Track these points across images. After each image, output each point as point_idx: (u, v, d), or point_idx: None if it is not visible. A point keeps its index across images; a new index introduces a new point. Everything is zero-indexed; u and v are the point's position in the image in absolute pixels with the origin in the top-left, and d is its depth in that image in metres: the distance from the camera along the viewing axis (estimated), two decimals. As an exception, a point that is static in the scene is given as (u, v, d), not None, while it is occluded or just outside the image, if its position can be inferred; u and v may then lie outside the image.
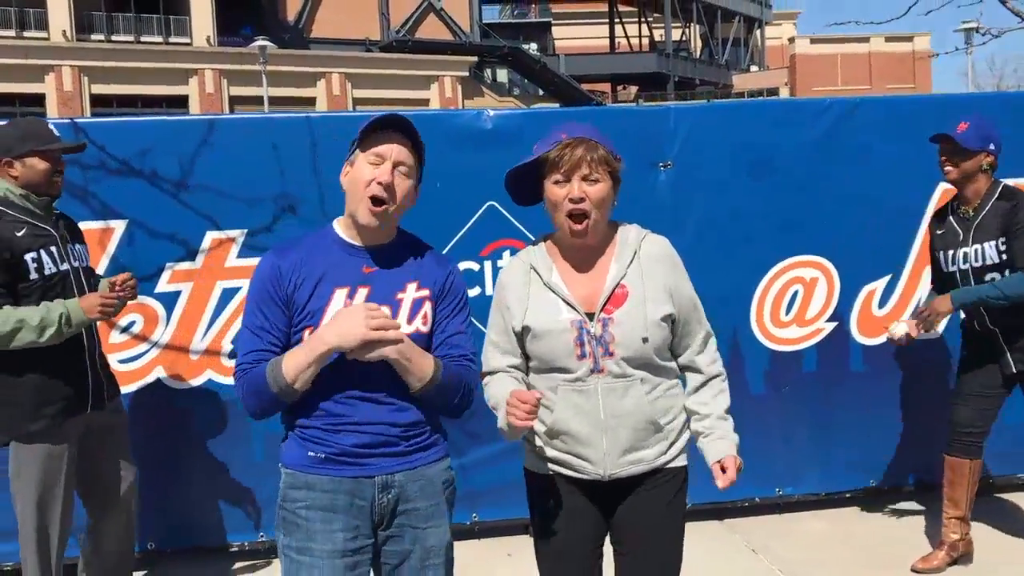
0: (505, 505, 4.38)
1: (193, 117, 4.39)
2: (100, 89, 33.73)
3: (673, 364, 2.51)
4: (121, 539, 3.68)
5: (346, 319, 2.14)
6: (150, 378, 4.09)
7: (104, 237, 3.99)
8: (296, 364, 2.16)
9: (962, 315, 3.98)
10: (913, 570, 3.86)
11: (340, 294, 2.26)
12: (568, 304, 2.40)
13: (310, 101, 36.42)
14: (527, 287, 2.47)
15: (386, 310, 2.23)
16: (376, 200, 2.22)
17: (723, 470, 2.40)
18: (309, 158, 4.14)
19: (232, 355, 4.13)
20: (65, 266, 3.30)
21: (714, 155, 4.35)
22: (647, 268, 2.42)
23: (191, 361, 4.13)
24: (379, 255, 2.31)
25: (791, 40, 55.62)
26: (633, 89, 53.18)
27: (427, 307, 2.32)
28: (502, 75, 46.66)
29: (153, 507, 4.07)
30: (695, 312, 2.49)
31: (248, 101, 34.82)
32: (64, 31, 34.28)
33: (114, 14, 35.97)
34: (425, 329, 2.31)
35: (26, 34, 34.22)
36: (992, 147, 3.70)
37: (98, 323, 3.46)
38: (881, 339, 4.48)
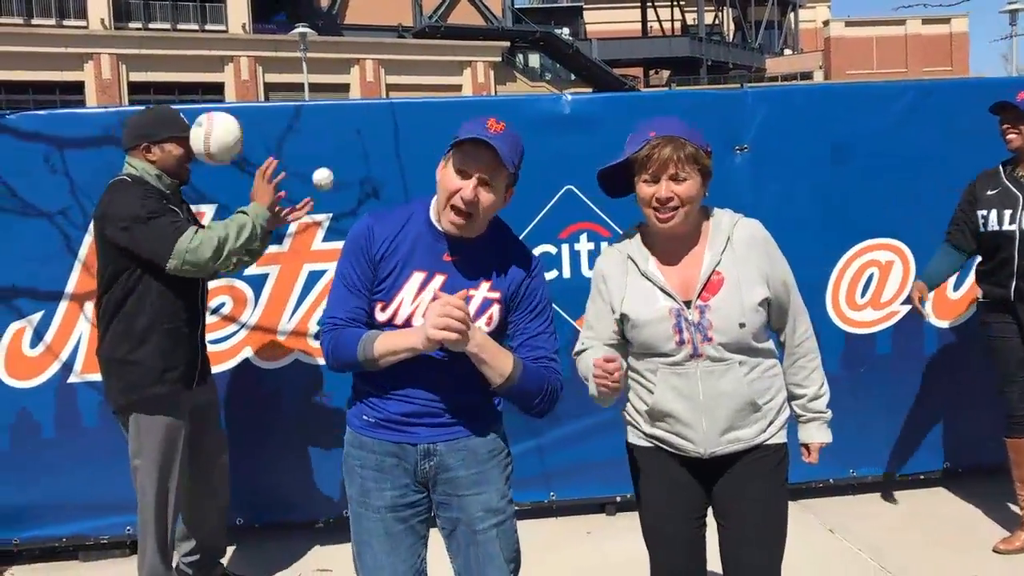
0: (582, 484, 4.46)
1: (280, 103, 4.47)
2: (138, 77, 34.05)
3: (771, 344, 2.56)
4: (216, 514, 3.82)
5: (425, 323, 2.21)
6: (239, 358, 4.20)
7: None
8: (387, 348, 2.27)
9: (979, 294, 4.03)
10: (995, 551, 3.89)
11: (418, 277, 2.33)
12: (665, 292, 2.46)
13: (344, 88, 36.55)
14: (624, 276, 2.53)
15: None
16: (457, 212, 2.29)
17: (808, 452, 2.61)
18: (392, 143, 4.22)
19: (318, 336, 4.23)
20: None
21: (790, 139, 4.37)
22: (741, 253, 2.46)
23: (278, 342, 4.23)
24: (463, 247, 2.37)
25: (825, 23, 54.95)
26: (665, 74, 52.82)
27: (494, 309, 2.38)
28: (534, 60, 46.49)
29: (242, 483, 4.18)
30: (787, 292, 2.53)
31: (283, 88, 35.00)
32: (102, 19, 34.62)
33: (151, 2, 36.26)
34: (488, 330, 2.35)
35: (66, 23, 34.59)
36: None
37: (204, 298, 3.62)
38: (957, 321, 4.52)
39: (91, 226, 3.96)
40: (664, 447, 2.56)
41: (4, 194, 4.00)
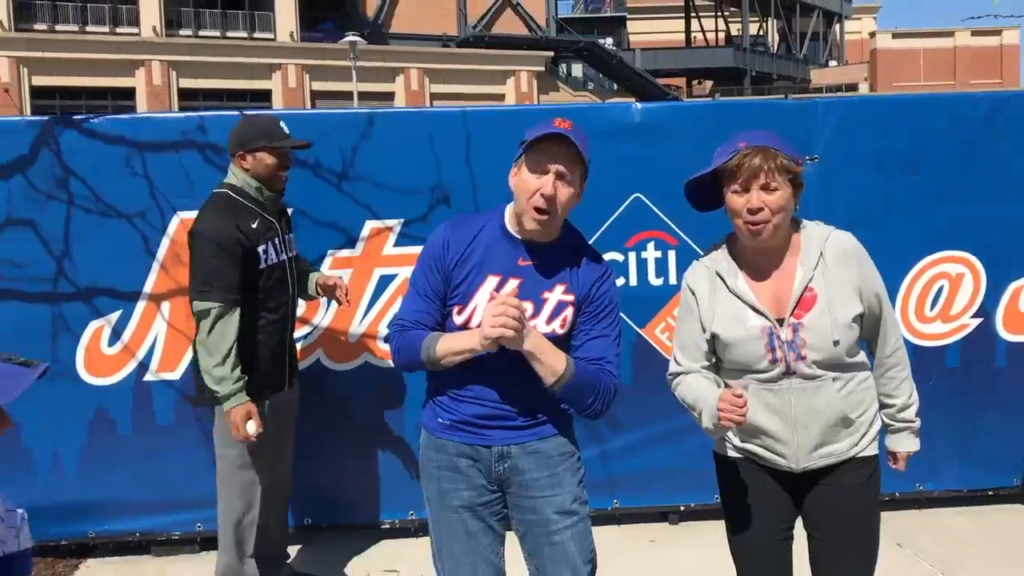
0: (646, 493, 4.46)
1: (355, 111, 4.54)
2: (187, 83, 34.66)
3: (863, 357, 2.54)
4: (283, 511, 3.89)
5: (482, 325, 2.26)
6: (311, 359, 4.26)
7: (270, 224, 4.17)
8: (449, 348, 2.34)
9: None
10: None
11: (492, 281, 2.39)
12: (755, 310, 2.44)
13: (388, 96, 36.93)
14: (713, 294, 2.51)
15: (528, 306, 2.34)
16: (539, 210, 2.34)
17: (896, 460, 2.63)
18: (463, 151, 4.26)
19: (387, 339, 4.28)
20: (283, 257, 3.54)
21: (861, 149, 4.35)
22: (833, 269, 2.43)
23: (349, 344, 4.29)
24: (537, 252, 2.43)
25: (872, 34, 54.43)
26: (708, 84, 52.62)
27: (568, 312, 2.42)
28: (577, 70, 46.58)
29: (311, 483, 4.25)
30: (879, 304, 2.51)
31: (329, 96, 35.43)
32: (154, 27, 35.29)
33: (201, 10, 36.88)
34: (562, 332, 2.41)
35: (118, 30, 35.32)
36: None
37: (295, 306, 3.71)
38: (1028, 336, 4.47)
39: (171, 225, 4.09)
40: (754, 459, 2.56)
41: (87, 196, 4.11)
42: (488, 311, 2.24)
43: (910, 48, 51.83)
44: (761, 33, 52.94)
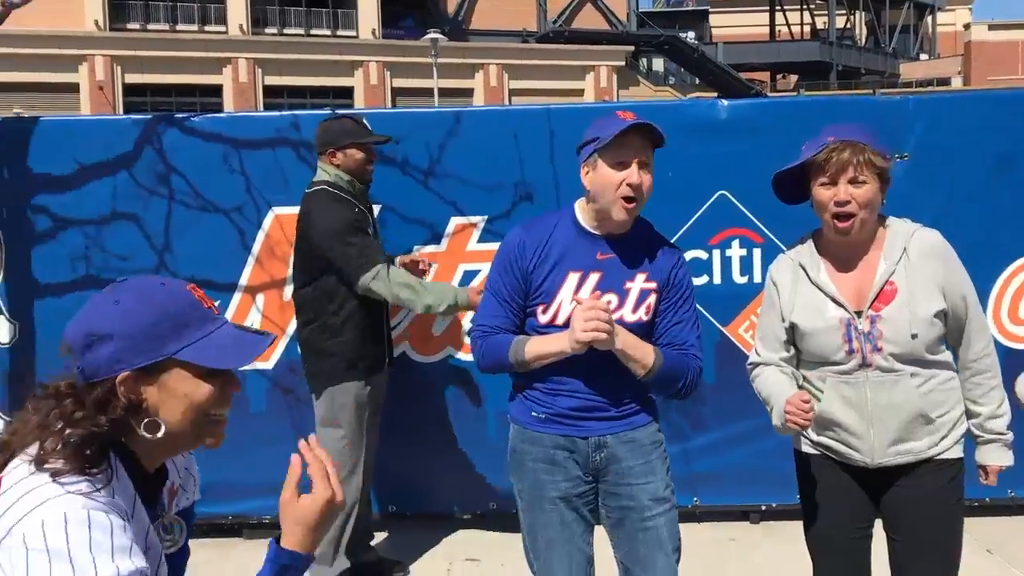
0: (727, 491, 4.46)
1: (442, 109, 4.63)
2: (272, 81, 35.47)
3: (948, 357, 2.51)
4: (366, 498, 4.01)
5: (571, 328, 2.34)
6: (398, 351, 4.36)
7: (359, 220, 4.29)
8: (539, 351, 2.41)
9: None
10: None
11: (573, 277, 2.44)
12: (835, 302, 2.46)
13: (467, 92, 37.20)
14: (795, 284, 2.54)
15: (612, 297, 2.41)
16: (628, 199, 2.39)
17: (986, 474, 2.54)
18: (547, 148, 4.31)
19: (469, 333, 4.36)
20: (379, 241, 3.74)
21: (953, 147, 4.26)
22: (917, 264, 2.43)
23: (433, 338, 4.39)
24: (614, 244, 2.48)
25: (966, 26, 52.59)
26: (793, 78, 51.63)
27: (652, 299, 2.48)
28: (658, 64, 46.22)
29: (395, 472, 4.37)
30: (965, 306, 2.47)
31: (410, 93, 35.87)
32: (241, 25, 36.21)
33: (286, 8, 37.70)
34: (647, 319, 2.47)
35: (207, 28, 36.34)
36: None
37: None
38: None
39: (266, 220, 4.24)
40: (831, 455, 2.57)
41: (187, 192, 4.28)
42: (579, 315, 2.31)
43: (1008, 40, 49.92)
44: (848, 26, 51.66)
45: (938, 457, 2.48)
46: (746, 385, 4.38)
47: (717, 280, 4.36)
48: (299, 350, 3.81)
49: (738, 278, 4.35)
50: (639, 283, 2.47)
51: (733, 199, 4.31)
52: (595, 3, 42.46)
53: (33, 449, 1.34)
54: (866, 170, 2.37)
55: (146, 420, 1.40)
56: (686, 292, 2.54)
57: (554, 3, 41.99)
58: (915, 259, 2.43)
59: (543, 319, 2.46)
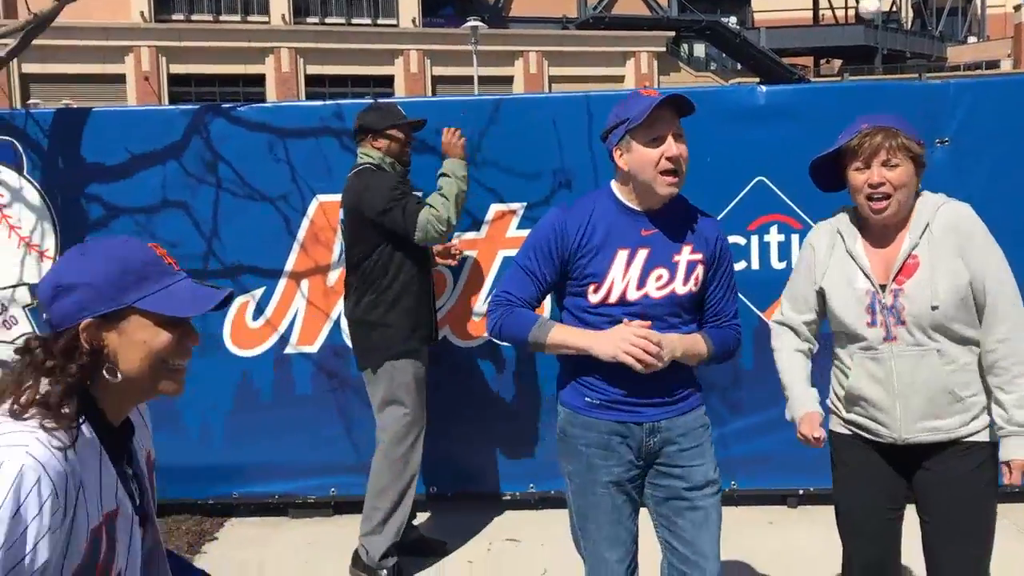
0: (764, 475, 4.49)
1: (482, 96, 4.68)
2: (314, 70, 35.70)
3: (976, 334, 2.46)
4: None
5: (611, 336, 2.39)
6: (439, 336, 4.45)
7: (400, 207, 4.37)
8: (562, 340, 2.46)
9: None
10: None
11: (622, 255, 2.47)
12: (864, 274, 2.51)
13: (507, 80, 37.13)
14: (831, 250, 2.60)
15: (663, 272, 2.46)
16: (669, 172, 2.42)
17: (1010, 471, 2.44)
18: (585, 134, 4.35)
19: (492, 296, 4.44)
20: None
21: (995, 132, 4.23)
22: (939, 238, 2.45)
23: (474, 322, 4.46)
24: (657, 219, 2.51)
25: (1017, 8, 51.31)
26: (837, 63, 50.84)
27: (699, 270, 2.52)
28: (699, 50, 45.75)
29: (436, 455, 4.45)
30: (985, 280, 2.42)
31: (450, 81, 35.89)
32: (283, 15, 36.47)
33: (328, -2, 37.92)
34: (696, 290, 2.52)
35: (250, 19, 36.67)
36: None
37: (432, 267, 4.05)
38: None
39: (311, 208, 4.33)
40: (861, 434, 2.60)
41: (234, 180, 4.40)
42: (625, 335, 2.37)
43: (1059, 21, 48.69)
44: (894, 9, 50.73)
45: (968, 439, 2.48)
46: (784, 370, 4.42)
47: (755, 266, 4.38)
48: (350, 330, 3.93)
49: (776, 264, 4.36)
50: (686, 255, 2.51)
51: (771, 185, 4.33)
52: (635, -12, 42.13)
53: (6, 406, 1.44)
54: (899, 153, 2.42)
55: (107, 366, 1.50)
56: (727, 265, 2.60)
57: (594, -11, 41.78)
58: (938, 233, 2.46)
59: (594, 299, 2.48)
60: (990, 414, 2.49)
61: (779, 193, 4.33)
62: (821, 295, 2.62)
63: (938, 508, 2.53)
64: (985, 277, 2.43)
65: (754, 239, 4.38)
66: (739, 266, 4.36)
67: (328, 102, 4.49)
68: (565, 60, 37.92)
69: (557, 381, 2.65)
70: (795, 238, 4.34)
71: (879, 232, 2.54)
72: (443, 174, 3.79)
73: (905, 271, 2.46)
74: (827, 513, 4.36)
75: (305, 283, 4.41)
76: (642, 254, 2.47)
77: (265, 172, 4.40)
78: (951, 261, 2.43)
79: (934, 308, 2.41)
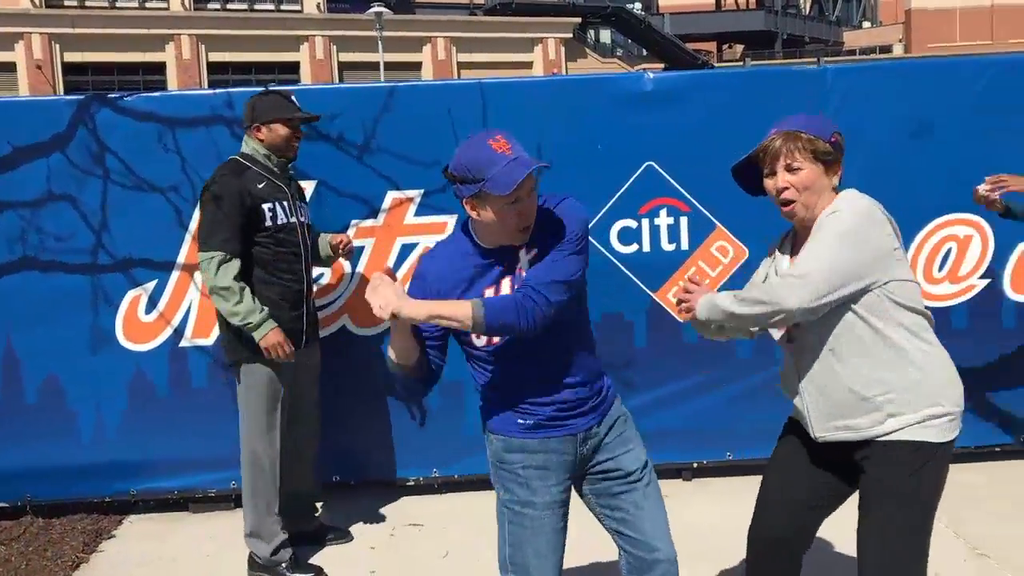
0: (660, 451, 4.58)
1: (375, 84, 4.68)
2: (217, 57, 34.87)
3: (893, 335, 2.40)
4: (310, 468, 4.10)
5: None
6: (337, 326, 4.46)
7: (295, 196, 4.35)
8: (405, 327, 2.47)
9: None
10: None
11: (489, 294, 2.45)
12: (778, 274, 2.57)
13: (416, 66, 36.92)
14: (774, 261, 2.66)
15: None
16: (525, 229, 2.40)
17: None
18: (480, 122, 4.39)
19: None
20: (294, 219, 3.75)
21: (870, 115, 4.43)
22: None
23: (373, 311, 4.46)
24: (512, 248, 2.46)
25: (906, -6, 53.34)
26: (739, 48, 51.99)
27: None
28: (605, 36, 46.22)
29: (339, 442, 4.47)
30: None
31: (357, 67, 35.50)
32: (183, 1, 35.47)
33: (229, -17, 37.03)
34: None
35: (148, 5, 35.56)
36: None
37: (310, 268, 3.91)
38: (1036, 296, 4.57)
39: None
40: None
41: (123, 171, 4.31)
42: (368, 294, 2.43)
43: (946, 8, 50.78)
44: (793, -5, 52.17)
45: (883, 439, 2.43)
46: (676, 348, 4.58)
47: (647, 248, 4.50)
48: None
49: (666, 246, 4.49)
50: (524, 259, 2.46)
51: (660, 169, 4.45)
52: (542, -25, 42.29)
53: None
54: (799, 155, 2.44)
55: None
56: (566, 238, 2.44)
57: (501, -25, 41.77)
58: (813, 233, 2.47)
59: (479, 343, 2.48)
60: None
61: (667, 177, 4.45)
62: None
63: (861, 505, 2.52)
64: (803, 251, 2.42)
65: (645, 222, 4.49)
66: (631, 249, 4.49)
67: (218, 91, 4.42)
68: (473, 46, 37.88)
69: (482, 411, 2.61)
70: (684, 220, 4.47)
71: (802, 234, 2.54)
72: (255, 324, 3.58)
73: None
74: (721, 485, 4.58)
75: (199, 275, 4.35)
76: (506, 284, 2.45)
77: (155, 163, 4.32)
78: None
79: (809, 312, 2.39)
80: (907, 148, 4.44)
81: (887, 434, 2.42)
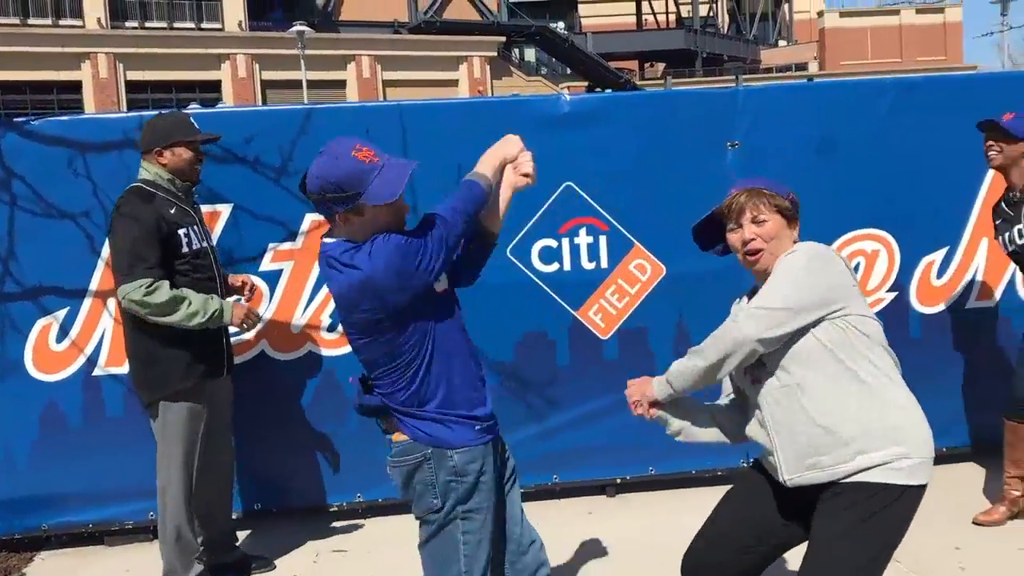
0: (584, 468, 4.66)
1: (292, 106, 4.65)
2: (135, 76, 34.14)
3: (860, 370, 2.44)
4: (227, 497, 4.03)
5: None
6: (255, 351, 4.40)
7: (211, 220, 4.26)
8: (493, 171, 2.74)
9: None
10: (974, 522, 4.11)
11: None
12: None
13: (340, 84, 36.67)
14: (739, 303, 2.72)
15: None
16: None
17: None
18: (399, 144, 4.39)
19: (330, 328, 4.43)
20: (204, 244, 3.69)
21: (780, 134, 4.56)
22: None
23: (293, 335, 4.43)
24: None
25: (820, 14, 55.04)
26: (661, 66, 52.96)
27: None
28: (530, 54, 46.65)
29: (260, 470, 4.40)
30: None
31: (280, 85, 35.12)
32: (99, 19, 34.67)
33: (147, 1, 36.34)
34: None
35: (62, 22, 34.67)
36: None
37: (223, 292, 3.84)
38: (939, 307, 4.74)
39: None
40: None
41: (31, 197, 4.19)
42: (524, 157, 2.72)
43: (857, 27, 52.52)
44: (711, 14, 53.31)
45: (851, 479, 2.42)
46: (598, 364, 4.63)
47: (567, 267, 4.55)
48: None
49: (587, 264, 4.55)
50: None
51: (579, 189, 4.51)
52: (466, -7, 42.49)
53: None
54: (764, 209, 2.56)
55: None
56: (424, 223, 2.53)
57: (425, -6, 41.85)
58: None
59: (439, 287, 2.57)
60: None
61: (586, 197, 4.51)
62: None
63: (816, 542, 2.49)
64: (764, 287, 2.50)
65: (565, 241, 4.54)
66: (552, 267, 4.54)
67: (130, 114, 4.35)
68: (399, 64, 37.82)
69: (430, 430, 2.53)
70: (603, 239, 4.54)
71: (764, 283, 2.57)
72: (216, 310, 3.58)
73: None
74: (643, 500, 4.64)
75: (112, 302, 4.25)
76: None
77: (65, 188, 4.21)
78: None
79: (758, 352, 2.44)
80: (815, 166, 4.58)
81: (855, 473, 2.41)
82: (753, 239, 2.56)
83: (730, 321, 2.49)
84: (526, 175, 2.74)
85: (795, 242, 2.60)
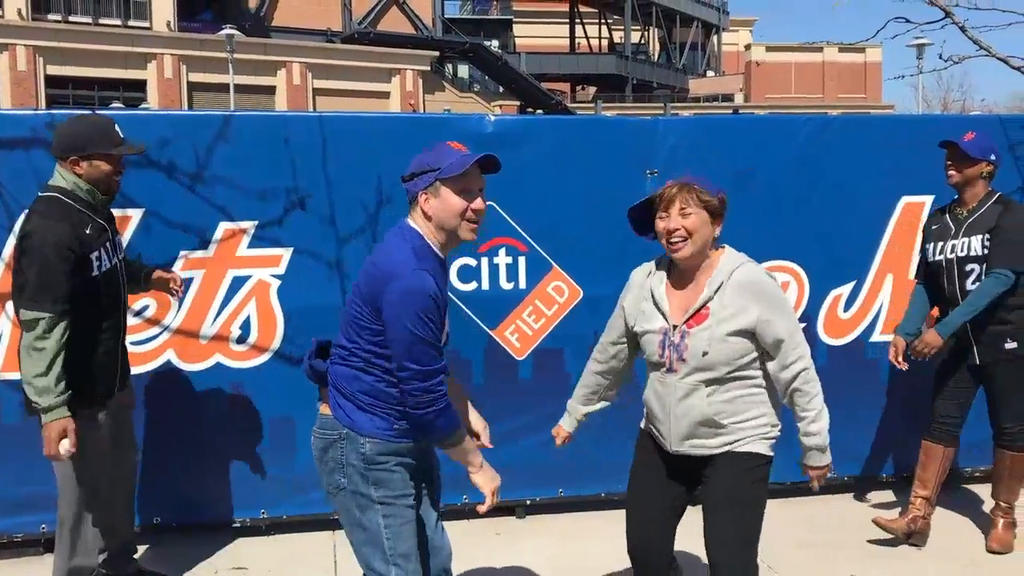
0: (494, 488, 4.64)
1: (210, 112, 4.56)
2: (56, 70, 33.16)
3: (758, 373, 2.94)
4: (128, 511, 3.90)
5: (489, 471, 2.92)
6: (160, 360, 4.28)
7: (121, 224, 4.13)
8: (463, 453, 2.83)
9: (935, 312, 4.37)
10: (874, 521, 4.31)
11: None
12: (662, 313, 2.95)
13: (270, 90, 36.23)
14: (642, 289, 3.05)
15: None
16: (474, 222, 2.77)
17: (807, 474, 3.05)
18: (319, 154, 4.35)
19: (240, 340, 4.34)
20: (114, 260, 3.52)
21: (697, 165, 4.60)
22: (731, 296, 2.85)
23: (201, 345, 4.32)
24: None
25: (747, 47, 56.53)
26: (592, 90, 53.64)
27: None
28: (463, 71, 46.83)
29: (162, 483, 4.27)
30: (774, 330, 2.86)
31: (207, 88, 34.52)
32: (19, 10, 33.60)
33: (71, -6, 35.38)
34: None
35: (-21, 12, 33.51)
36: (993, 157, 4.16)
37: (125, 308, 3.68)
38: (845, 340, 4.87)
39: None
40: (653, 435, 3.09)
41: (-73, 192, 4.01)
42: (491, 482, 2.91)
43: (783, 61, 54.10)
44: (643, 42, 54.26)
45: (732, 451, 2.92)
46: (512, 384, 4.63)
47: (485, 286, 4.55)
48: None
49: (505, 284, 4.55)
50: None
51: (500, 209, 4.51)
52: (401, 7, 42.41)
53: None
54: (692, 203, 2.86)
55: None
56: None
57: (360, 4, 41.57)
58: (730, 291, 2.86)
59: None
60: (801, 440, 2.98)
61: (507, 217, 4.52)
62: (631, 327, 3.06)
63: (706, 491, 2.96)
64: (773, 327, 2.86)
65: (484, 261, 4.54)
66: (470, 286, 4.52)
67: (40, 111, 4.20)
68: (330, 73, 37.52)
69: (350, 413, 2.73)
70: (522, 260, 4.55)
71: (683, 275, 2.96)
72: (49, 406, 3.22)
73: (696, 318, 2.88)
74: (552, 522, 4.64)
75: (10, 306, 4.08)
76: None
77: (-35, 185, 4.05)
78: (733, 315, 2.83)
79: (704, 354, 2.84)
80: (731, 198, 4.61)
81: (734, 448, 2.91)
82: (677, 229, 2.84)
83: (807, 360, 2.94)
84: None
85: (716, 238, 2.94)
